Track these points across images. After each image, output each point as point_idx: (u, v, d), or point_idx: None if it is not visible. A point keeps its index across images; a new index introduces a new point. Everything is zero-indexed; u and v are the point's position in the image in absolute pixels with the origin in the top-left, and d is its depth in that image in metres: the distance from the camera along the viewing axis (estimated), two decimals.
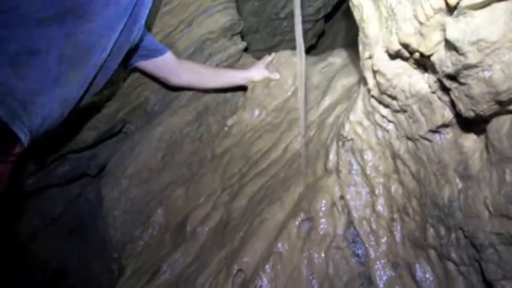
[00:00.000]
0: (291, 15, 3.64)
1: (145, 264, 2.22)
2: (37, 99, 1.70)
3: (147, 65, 2.39)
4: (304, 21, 3.75)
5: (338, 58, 2.43)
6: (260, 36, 3.60)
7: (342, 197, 1.67)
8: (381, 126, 1.53)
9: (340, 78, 2.22)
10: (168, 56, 2.40)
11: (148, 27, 2.43)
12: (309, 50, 4.12)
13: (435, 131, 1.31)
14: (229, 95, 2.64)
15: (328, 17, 4.14)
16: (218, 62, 2.67)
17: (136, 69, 2.47)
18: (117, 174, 2.52)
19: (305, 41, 3.87)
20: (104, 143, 2.85)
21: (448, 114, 1.23)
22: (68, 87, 1.80)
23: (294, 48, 3.67)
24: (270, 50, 3.63)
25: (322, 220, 1.67)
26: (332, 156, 1.72)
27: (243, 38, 2.90)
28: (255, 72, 2.49)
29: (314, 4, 3.67)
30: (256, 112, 2.41)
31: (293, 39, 3.79)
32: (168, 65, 2.42)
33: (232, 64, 2.72)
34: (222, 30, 2.63)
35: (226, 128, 2.47)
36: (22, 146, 1.70)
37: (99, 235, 2.60)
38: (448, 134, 1.29)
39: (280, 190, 1.87)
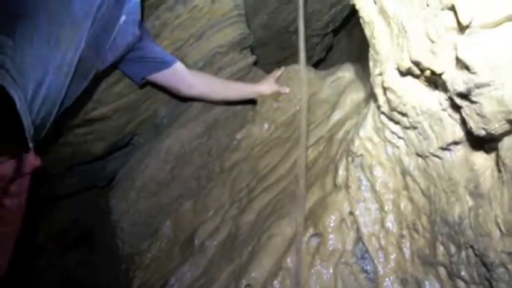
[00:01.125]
0: None
1: (153, 277, 2.22)
2: (28, 58, 1.70)
3: (157, 77, 2.40)
4: (312, 35, 3.77)
5: (347, 72, 2.43)
6: (269, 49, 3.61)
7: (351, 213, 1.66)
8: (390, 142, 1.53)
9: (350, 92, 2.22)
10: (178, 67, 2.40)
11: (158, 40, 2.44)
12: (318, 64, 4.13)
13: (445, 148, 1.31)
14: (238, 108, 2.64)
15: (336, 31, 4.15)
16: (228, 75, 2.67)
17: (148, 82, 2.47)
18: (126, 186, 2.53)
19: (313, 55, 3.92)
20: (113, 155, 2.86)
21: (459, 132, 1.23)
22: (59, 51, 1.80)
23: None
24: (279, 63, 3.64)
25: (331, 236, 1.67)
26: (341, 172, 1.71)
27: (252, 52, 2.91)
28: (265, 86, 2.50)
29: (323, 19, 3.68)
30: (265, 126, 2.42)
31: None
32: (178, 76, 2.42)
33: (241, 78, 2.73)
34: (231, 44, 2.65)
35: (235, 142, 2.47)
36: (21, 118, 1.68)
37: (107, 246, 2.61)
38: (459, 152, 1.29)
39: (289, 205, 1.87)
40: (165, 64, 2.37)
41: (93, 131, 2.56)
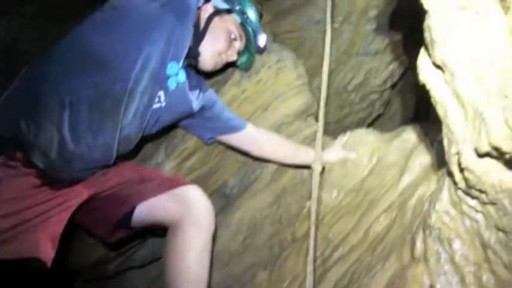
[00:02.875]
0: (358, 86, 3.69)
1: None
2: (73, 146, 1.87)
3: (228, 139, 2.49)
4: (371, 92, 3.79)
5: (412, 134, 2.41)
6: (328, 109, 3.65)
7: (431, 286, 1.65)
8: (468, 216, 1.53)
9: (418, 156, 2.22)
10: (249, 130, 2.47)
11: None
12: (376, 119, 4.13)
13: None
14: (305, 174, 2.66)
15: (393, 85, 4.13)
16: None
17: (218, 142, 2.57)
18: None
19: (373, 112, 3.93)
20: None
21: None
22: (103, 133, 1.92)
23: (361, 120, 3.73)
24: (338, 122, 3.68)
25: None
26: (419, 245, 1.72)
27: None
28: (332, 153, 2.51)
29: (380, 76, 3.69)
30: (334, 193, 2.42)
31: (361, 110, 3.85)
32: (249, 139, 2.49)
33: (308, 145, 2.76)
34: (296, 113, 2.71)
35: (305, 210, 2.48)
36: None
37: None
38: None
39: (367, 277, 1.88)
40: (234, 129, 2.44)
41: None
